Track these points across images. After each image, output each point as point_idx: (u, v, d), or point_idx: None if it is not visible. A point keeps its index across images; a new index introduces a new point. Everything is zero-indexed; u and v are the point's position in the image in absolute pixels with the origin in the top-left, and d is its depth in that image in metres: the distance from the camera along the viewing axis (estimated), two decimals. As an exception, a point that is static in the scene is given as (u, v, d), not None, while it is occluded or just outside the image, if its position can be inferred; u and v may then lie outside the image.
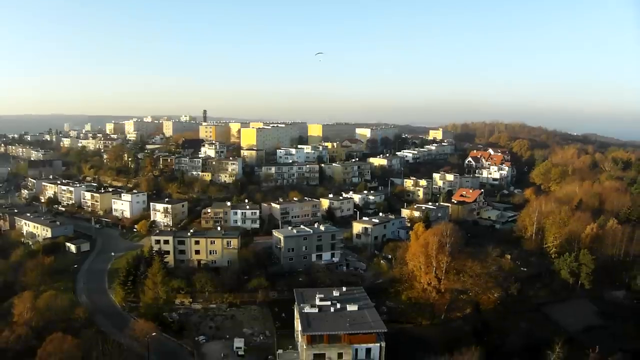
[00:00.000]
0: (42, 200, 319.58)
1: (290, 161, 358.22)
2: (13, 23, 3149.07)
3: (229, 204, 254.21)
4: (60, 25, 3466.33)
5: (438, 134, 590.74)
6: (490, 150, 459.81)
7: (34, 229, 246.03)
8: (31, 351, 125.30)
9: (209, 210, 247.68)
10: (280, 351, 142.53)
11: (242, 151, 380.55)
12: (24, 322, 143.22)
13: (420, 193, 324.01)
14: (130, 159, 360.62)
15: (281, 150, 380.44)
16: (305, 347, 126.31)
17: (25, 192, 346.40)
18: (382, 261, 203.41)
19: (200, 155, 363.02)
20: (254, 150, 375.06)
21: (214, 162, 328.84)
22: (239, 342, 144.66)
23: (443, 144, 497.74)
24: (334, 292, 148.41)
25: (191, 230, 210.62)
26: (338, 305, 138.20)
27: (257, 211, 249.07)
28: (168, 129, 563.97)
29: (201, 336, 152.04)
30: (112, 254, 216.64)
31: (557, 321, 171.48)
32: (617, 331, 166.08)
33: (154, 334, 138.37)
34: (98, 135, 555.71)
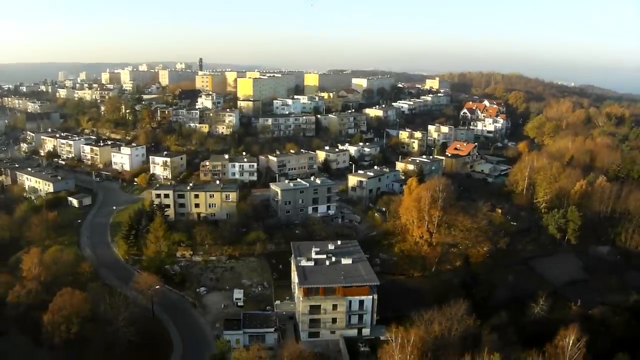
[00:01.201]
0: (42, 154, 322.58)
1: (287, 112, 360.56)
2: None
3: (226, 156, 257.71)
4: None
5: (435, 84, 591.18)
6: (486, 102, 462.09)
7: (36, 184, 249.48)
8: (42, 305, 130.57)
9: (207, 163, 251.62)
10: (277, 302, 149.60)
11: (238, 102, 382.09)
12: (33, 277, 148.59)
13: (415, 145, 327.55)
14: (127, 111, 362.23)
15: (277, 101, 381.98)
16: (301, 299, 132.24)
17: (24, 145, 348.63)
18: (376, 214, 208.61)
19: (197, 107, 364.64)
20: (250, 101, 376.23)
21: (211, 114, 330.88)
22: (238, 294, 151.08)
23: (439, 94, 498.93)
24: (329, 245, 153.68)
25: (190, 184, 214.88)
26: (333, 259, 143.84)
27: (255, 164, 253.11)
28: (164, 78, 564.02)
29: (202, 288, 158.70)
30: (114, 207, 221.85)
31: (542, 275, 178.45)
32: (600, 285, 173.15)
33: (157, 286, 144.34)
34: (94, 85, 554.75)
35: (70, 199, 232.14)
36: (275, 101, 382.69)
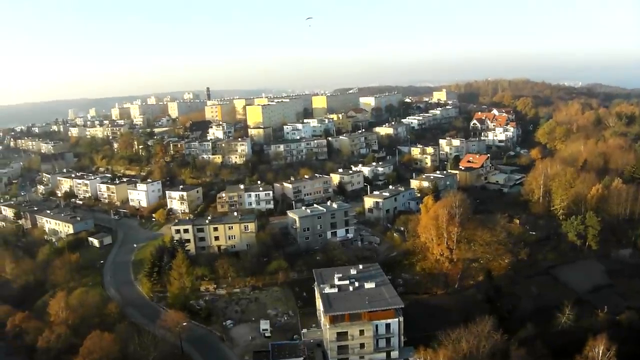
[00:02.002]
0: (59, 195, 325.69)
1: (298, 137, 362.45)
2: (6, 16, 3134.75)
3: (242, 186, 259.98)
4: (53, 11, 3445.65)
5: (442, 95, 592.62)
6: (495, 111, 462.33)
7: (55, 226, 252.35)
8: (72, 349, 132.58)
9: (223, 195, 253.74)
10: (304, 330, 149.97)
11: (249, 130, 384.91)
12: (61, 321, 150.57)
13: (428, 160, 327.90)
14: (140, 147, 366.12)
15: (288, 126, 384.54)
16: (328, 326, 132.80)
17: (41, 187, 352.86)
18: (395, 234, 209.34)
19: (209, 138, 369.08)
20: (261, 128, 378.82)
21: (223, 144, 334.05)
22: (264, 324, 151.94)
23: (447, 107, 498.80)
24: (351, 270, 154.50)
25: (209, 217, 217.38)
26: (356, 284, 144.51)
27: (270, 192, 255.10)
28: (173, 110, 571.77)
29: (228, 320, 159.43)
30: (134, 245, 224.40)
31: (566, 283, 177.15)
32: (624, 289, 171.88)
33: (184, 323, 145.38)
34: (105, 122, 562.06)
35: (91, 239, 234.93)
36: (285, 126, 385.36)
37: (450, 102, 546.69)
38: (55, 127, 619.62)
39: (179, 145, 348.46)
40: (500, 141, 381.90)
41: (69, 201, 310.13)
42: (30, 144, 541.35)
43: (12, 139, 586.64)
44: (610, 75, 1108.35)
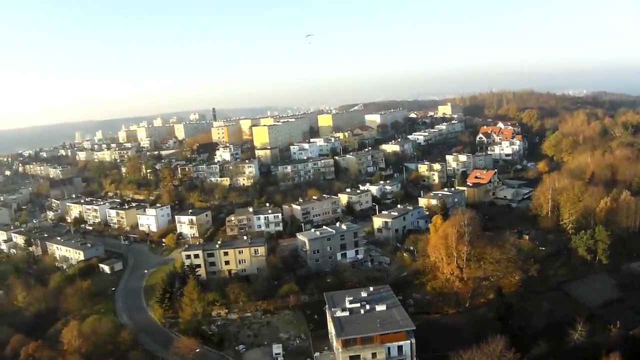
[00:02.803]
0: (69, 221, 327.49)
1: (305, 157, 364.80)
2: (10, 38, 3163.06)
3: (250, 209, 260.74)
4: (57, 33, 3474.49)
5: (447, 109, 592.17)
6: (500, 124, 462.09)
7: (66, 252, 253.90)
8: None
9: (232, 218, 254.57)
10: (317, 354, 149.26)
11: (256, 151, 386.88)
12: (74, 350, 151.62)
13: (436, 177, 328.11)
14: (149, 171, 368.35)
15: (294, 146, 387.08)
16: (340, 350, 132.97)
17: (50, 213, 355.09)
18: (404, 254, 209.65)
19: (216, 160, 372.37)
20: (267, 149, 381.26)
21: (230, 167, 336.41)
22: (277, 348, 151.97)
23: (453, 121, 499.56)
24: (362, 293, 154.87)
25: (219, 242, 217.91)
26: (367, 307, 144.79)
27: (279, 214, 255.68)
28: (180, 132, 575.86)
29: (241, 345, 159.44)
30: (145, 271, 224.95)
31: (577, 298, 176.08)
32: (636, 303, 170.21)
33: (197, 349, 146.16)
34: (112, 145, 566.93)
35: (101, 265, 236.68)
36: (292, 146, 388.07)
37: (455, 116, 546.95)
38: (62, 152, 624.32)
39: (186, 169, 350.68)
40: (507, 155, 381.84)
41: (78, 227, 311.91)
42: (38, 169, 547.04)
43: (20, 164, 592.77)
44: (615, 82, 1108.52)
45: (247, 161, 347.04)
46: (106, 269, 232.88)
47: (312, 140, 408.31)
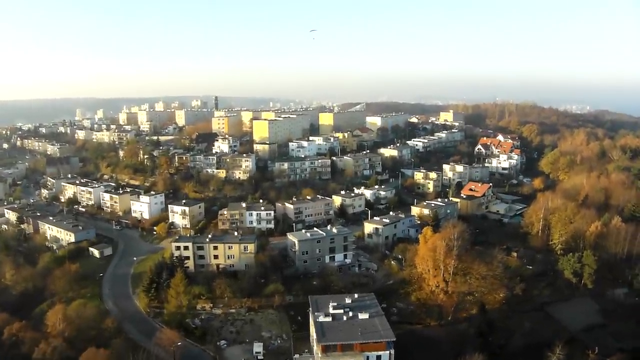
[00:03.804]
0: (62, 200, 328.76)
1: (303, 155, 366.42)
2: (20, 7, 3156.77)
3: (244, 204, 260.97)
4: (68, 7, 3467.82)
5: (449, 116, 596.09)
6: (500, 137, 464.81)
7: (57, 233, 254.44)
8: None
9: (225, 212, 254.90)
10: (297, 356, 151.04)
11: (254, 145, 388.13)
12: (57, 333, 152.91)
13: (431, 186, 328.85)
14: (146, 156, 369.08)
15: (293, 143, 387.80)
16: (320, 355, 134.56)
17: (45, 191, 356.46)
18: (392, 262, 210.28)
19: (214, 151, 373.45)
20: (266, 144, 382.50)
21: (227, 159, 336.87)
22: (258, 347, 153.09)
23: (453, 130, 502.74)
24: (346, 299, 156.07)
25: (209, 236, 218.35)
26: (350, 314, 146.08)
27: (272, 212, 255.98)
28: (180, 119, 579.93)
29: (222, 341, 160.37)
30: (134, 258, 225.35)
31: (559, 320, 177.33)
32: (617, 330, 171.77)
33: (179, 343, 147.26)
34: (112, 126, 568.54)
35: (91, 249, 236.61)
36: (291, 143, 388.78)
37: (456, 124, 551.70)
38: (62, 129, 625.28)
39: (184, 158, 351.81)
40: (503, 168, 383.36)
41: (71, 207, 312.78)
42: (36, 144, 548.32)
43: (19, 138, 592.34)
44: (618, 101, 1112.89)
45: (244, 155, 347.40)
46: (96, 253, 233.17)
47: (311, 138, 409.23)
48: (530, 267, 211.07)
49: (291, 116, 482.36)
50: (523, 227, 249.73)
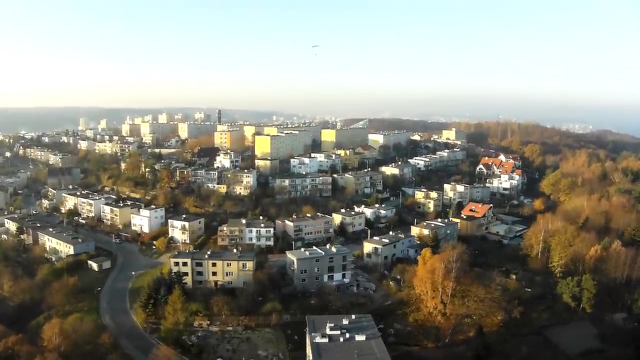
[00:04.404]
0: (63, 212, 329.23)
1: (304, 172, 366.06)
2: (27, 15, 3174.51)
3: (243, 221, 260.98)
4: (75, 16, 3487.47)
5: (451, 135, 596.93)
6: (502, 157, 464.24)
7: (57, 245, 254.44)
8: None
9: (224, 228, 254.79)
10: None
11: (256, 161, 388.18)
12: (53, 348, 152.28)
13: (431, 205, 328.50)
14: (147, 170, 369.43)
15: (295, 160, 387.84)
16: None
17: (45, 202, 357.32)
18: (391, 282, 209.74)
19: (215, 166, 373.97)
20: (268, 159, 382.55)
21: (229, 175, 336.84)
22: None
23: (455, 149, 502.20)
24: (343, 320, 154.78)
25: (208, 252, 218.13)
26: (347, 335, 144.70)
27: (272, 229, 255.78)
28: (183, 132, 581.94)
29: (219, 359, 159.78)
30: (133, 272, 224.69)
31: (557, 344, 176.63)
32: (616, 355, 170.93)
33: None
34: (114, 137, 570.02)
35: (90, 262, 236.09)
36: (292, 160, 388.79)
37: (458, 142, 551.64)
38: (64, 139, 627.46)
39: (185, 172, 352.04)
40: (504, 189, 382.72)
41: (72, 219, 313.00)
42: (39, 153, 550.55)
43: (21, 147, 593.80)
44: (621, 122, 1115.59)
45: (245, 171, 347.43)
46: (94, 266, 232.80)
47: (313, 155, 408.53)
48: (529, 290, 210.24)
49: (293, 132, 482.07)
50: (523, 249, 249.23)
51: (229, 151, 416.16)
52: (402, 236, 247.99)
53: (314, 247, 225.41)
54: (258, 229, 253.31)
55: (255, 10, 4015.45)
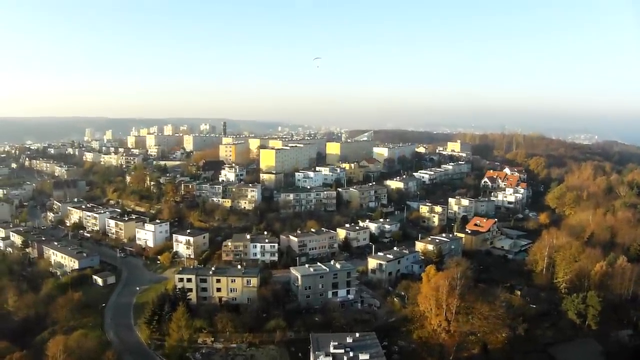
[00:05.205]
0: (68, 225, 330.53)
1: (309, 186, 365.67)
2: (36, 26, 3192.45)
3: (248, 236, 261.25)
4: (81, 28, 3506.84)
5: (456, 146, 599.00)
6: (507, 170, 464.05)
7: (61, 259, 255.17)
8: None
9: (229, 243, 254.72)
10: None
11: (261, 174, 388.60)
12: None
13: (436, 220, 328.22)
14: (152, 183, 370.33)
15: (299, 174, 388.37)
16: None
17: (51, 214, 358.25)
18: (395, 299, 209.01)
19: (220, 179, 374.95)
20: (272, 173, 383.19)
21: (233, 189, 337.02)
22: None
23: (460, 162, 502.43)
24: (347, 338, 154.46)
25: (213, 268, 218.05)
26: (351, 354, 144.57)
27: (276, 244, 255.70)
28: (188, 144, 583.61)
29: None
30: (137, 287, 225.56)
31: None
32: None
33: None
34: (120, 149, 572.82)
35: (95, 277, 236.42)
36: (297, 173, 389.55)
37: (463, 154, 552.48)
38: (70, 150, 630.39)
39: (190, 186, 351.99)
40: (509, 202, 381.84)
41: (76, 232, 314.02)
42: (44, 165, 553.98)
43: (27, 158, 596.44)
44: (628, 132, 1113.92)
45: (250, 185, 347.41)
46: (99, 281, 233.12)
47: (317, 168, 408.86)
48: (534, 306, 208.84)
49: (298, 145, 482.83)
50: (527, 264, 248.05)
51: (233, 164, 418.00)
52: (407, 252, 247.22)
53: (318, 263, 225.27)
54: (262, 244, 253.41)
55: (261, 21, 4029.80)
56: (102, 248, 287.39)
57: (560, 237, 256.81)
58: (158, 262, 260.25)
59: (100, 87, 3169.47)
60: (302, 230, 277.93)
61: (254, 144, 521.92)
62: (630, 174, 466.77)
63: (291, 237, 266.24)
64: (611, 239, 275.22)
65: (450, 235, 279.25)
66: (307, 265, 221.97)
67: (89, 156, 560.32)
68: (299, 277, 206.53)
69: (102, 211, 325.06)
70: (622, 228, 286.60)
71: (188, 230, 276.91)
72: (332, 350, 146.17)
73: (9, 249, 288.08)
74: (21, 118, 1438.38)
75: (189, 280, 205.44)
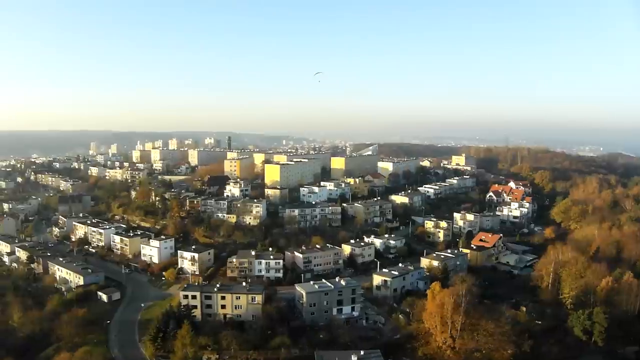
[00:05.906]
0: (73, 240, 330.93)
1: (313, 201, 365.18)
2: (43, 39, 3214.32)
3: (253, 252, 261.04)
4: (87, 42, 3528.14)
5: (461, 160, 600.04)
6: (512, 184, 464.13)
7: (67, 275, 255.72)
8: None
9: (234, 260, 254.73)
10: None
11: (265, 189, 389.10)
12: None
13: (441, 235, 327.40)
14: (157, 198, 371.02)
15: (304, 189, 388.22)
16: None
17: (56, 229, 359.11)
18: (400, 315, 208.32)
19: (225, 194, 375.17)
20: (277, 188, 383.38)
21: (238, 204, 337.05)
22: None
23: (464, 176, 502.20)
24: (352, 356, 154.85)
25: (217, 285, 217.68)
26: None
27: (281, 261, 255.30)
28: (193, 158, 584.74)
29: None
30: (142, 304, 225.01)
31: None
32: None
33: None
34: (125, 164, 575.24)
35: (100, 293, 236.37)
36: (302, 188, 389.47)
37: (468, 168, 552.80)
38: (75, 164, 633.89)
39: (195, 202, 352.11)
40: (514, 217, 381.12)
41: (82, 248, 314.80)
42: (50, 179, 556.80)
43: (32, 173, 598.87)
44: (632, 143, 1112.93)
45: (255, 200, 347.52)
46: (104, 297, 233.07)
47: (322, 183, 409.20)
48: (540, 322, 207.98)
49: (303, 160, 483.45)
50: (533, 279, 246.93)
51: (238, 180, 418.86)
52: (412, 268, 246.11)
53: (323, 280, 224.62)
54: (267, 260, 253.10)
55: (266, 35, 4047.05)
56: (107, 264, 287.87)
57: (566, 252, 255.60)
58: (163, 278, 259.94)
59: (106, 100, 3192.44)
60: (307, 246, 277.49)
61: (258, 158, 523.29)
62: (635, 187, 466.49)
63: (296, 253, 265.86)
64: (617, 254, 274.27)
65: (456, 251, 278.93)
66: (312, 282, 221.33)
67: (94, 170, 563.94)
68: (304, 294, 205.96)
69: (107, 227, 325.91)
70: (628, 243, 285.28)
71: (193, 247, 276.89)
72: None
73: (14, 264, 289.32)
74: (26, 131, 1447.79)
75: (194, 297, 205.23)
